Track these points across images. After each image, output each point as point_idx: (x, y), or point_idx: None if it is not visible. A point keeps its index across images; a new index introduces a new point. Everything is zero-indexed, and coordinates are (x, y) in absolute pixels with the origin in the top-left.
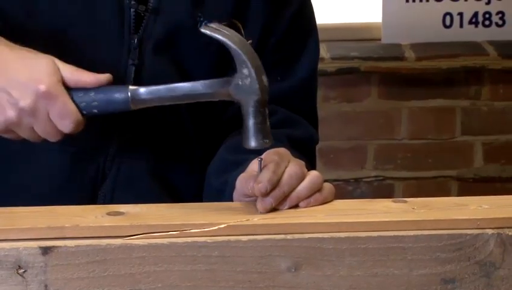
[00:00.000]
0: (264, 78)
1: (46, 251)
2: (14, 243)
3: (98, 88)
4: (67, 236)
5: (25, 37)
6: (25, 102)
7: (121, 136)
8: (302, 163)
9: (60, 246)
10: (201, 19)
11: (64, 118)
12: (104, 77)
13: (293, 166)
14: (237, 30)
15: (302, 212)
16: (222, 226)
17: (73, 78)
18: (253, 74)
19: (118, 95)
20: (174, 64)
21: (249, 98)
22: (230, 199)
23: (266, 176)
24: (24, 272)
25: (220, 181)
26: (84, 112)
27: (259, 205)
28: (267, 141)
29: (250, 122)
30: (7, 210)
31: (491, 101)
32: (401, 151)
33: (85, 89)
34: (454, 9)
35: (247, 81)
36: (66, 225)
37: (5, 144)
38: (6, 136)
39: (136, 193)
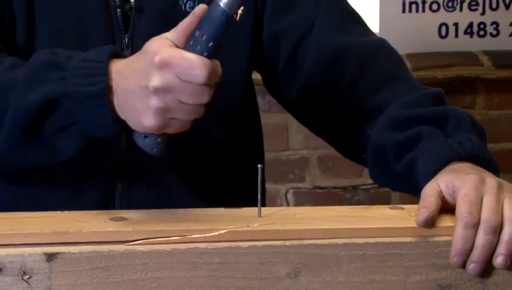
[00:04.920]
0: None
1: (50, 257)
2: (19, 249)
3: (199, 24)
4: (71, 241)
5: (24, 47)
6: (154, 82)
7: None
8: (498, 191)
9: (64, 253)
10: (185, 1)
11: (192, 70)
12: (198, 9)
13: (489, 212)
14: None
15: (301, 219)
16: (223, 231)
17: (176, 35)
18: None
19: (214, 14)
20: None
21: None
22: (423, 181)
23: (457, 243)
24: (29, 278)
25: (403, 163)
26: (206, 54)
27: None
28: None
29: None
30: (11, 215)
31: (485, 110)
32: None
33: (192, 36)
34: (450, 19)
35: None
36: (70, 230)
37: None
38: (171, 130)
39: (152, 184)
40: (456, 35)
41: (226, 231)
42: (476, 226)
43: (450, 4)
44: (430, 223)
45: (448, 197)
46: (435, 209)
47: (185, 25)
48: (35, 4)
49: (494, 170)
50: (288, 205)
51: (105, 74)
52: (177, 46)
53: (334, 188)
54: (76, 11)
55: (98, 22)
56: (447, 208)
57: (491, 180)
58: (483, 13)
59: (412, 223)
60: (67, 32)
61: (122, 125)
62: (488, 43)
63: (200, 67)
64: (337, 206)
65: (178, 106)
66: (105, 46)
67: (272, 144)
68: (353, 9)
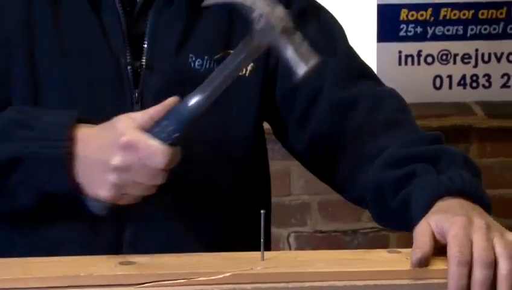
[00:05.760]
0: (278, 9)
1: None
2: None
3: (168, 114)
4: (82, 284)
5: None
6: (115, 160)
7: None
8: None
9: None
10: (194, 59)
11: (154, 156)
12: (169, 101)
13: (481, 252)
14: None
15: (302, 262)
16: (227, 274)
17: (144, 119)
18: (263, 11)
19: (181, 110)
20: None
21: (273, 33)
22: (416, 217)
23: (452, 281)
24: None
25: (398, 200)
26: (169, 142)
27: None
28: (312, 59)
29: (288, 52)
30: (23, 260)
31: (479, 158)
32: None
33: (159, 123)
34: (444, 72)
35: (262, 22)
36: (81, 274)
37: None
38: (122, 202)
39: (159, 232)
40: (450, 87)
41: (230, 273)
42: (468, 263)
43: (444, 57)
44: (424, 262)
45: (438, 237)
46: (429, 250)
47: (154, 111)
48: (43, 62)
49: (487, 205)
50: (290, 248)
51: (66, 139)
52: (144, 128)
53: (334, 232)
54: (88, 68)
55: (109, 78)
56: (437, 246)
57: (478, 220)
58: (475, 66)
59: (409, 266)
60: (79, 87)
61: (78, 187)
62: (480, 94)
63: (161, 155)
64: (337, 250)
65: (133, 184)
66: (71, 111)
67: (274, 190)
68: (364, 62)
